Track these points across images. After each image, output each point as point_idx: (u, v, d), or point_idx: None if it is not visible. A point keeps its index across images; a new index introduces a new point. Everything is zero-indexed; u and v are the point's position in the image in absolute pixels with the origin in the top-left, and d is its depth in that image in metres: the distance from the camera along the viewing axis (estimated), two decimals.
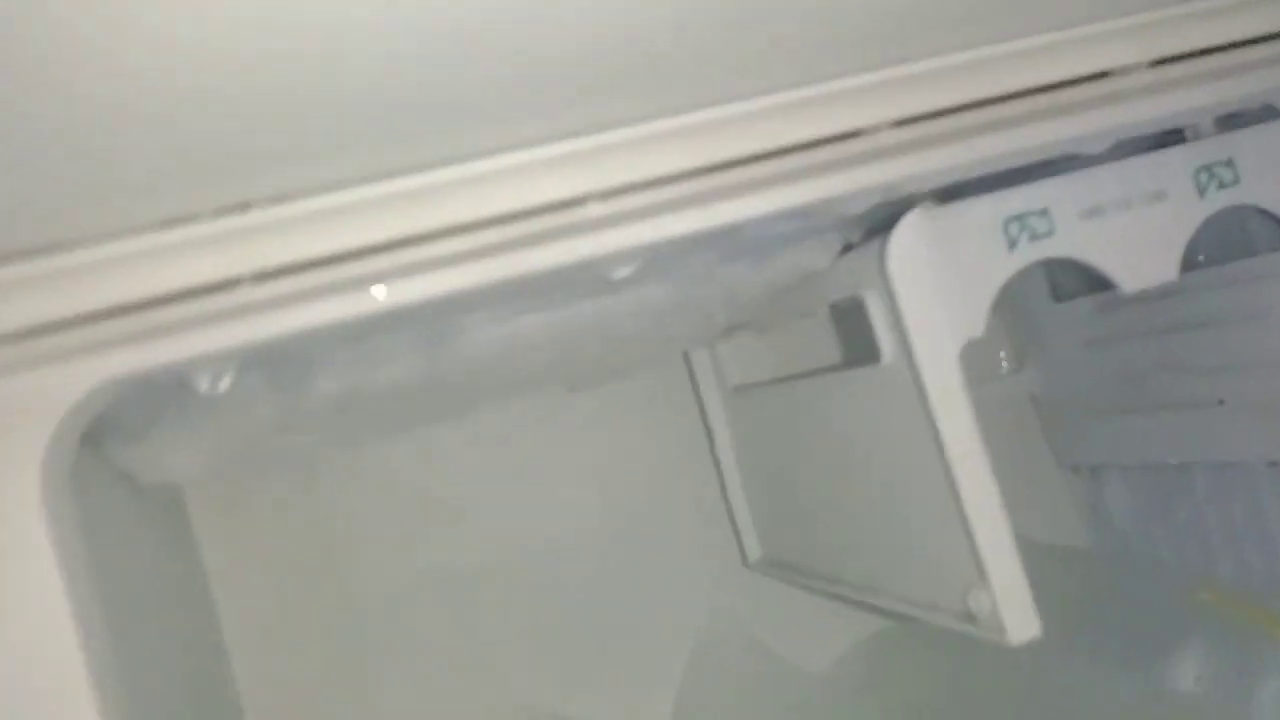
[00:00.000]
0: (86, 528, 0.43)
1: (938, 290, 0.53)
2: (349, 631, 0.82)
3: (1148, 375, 0.80)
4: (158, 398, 0.48)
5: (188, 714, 0.62)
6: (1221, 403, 0.73)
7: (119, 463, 0.57)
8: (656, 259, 0.48)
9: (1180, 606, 0.74)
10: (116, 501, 0.59)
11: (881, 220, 0.56)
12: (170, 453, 0.55)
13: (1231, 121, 0.61)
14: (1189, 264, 0.65)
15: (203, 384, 0.42)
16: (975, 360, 0.54)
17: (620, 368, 0.79)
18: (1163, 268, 0.57)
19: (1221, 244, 0.70)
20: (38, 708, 0.38)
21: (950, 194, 0.56)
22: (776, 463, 0.77)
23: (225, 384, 0.42)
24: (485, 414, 0.85)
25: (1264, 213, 0.60)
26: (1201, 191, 0.58)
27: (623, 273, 0.46)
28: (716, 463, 0.85)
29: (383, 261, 0.39)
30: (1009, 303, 0.92)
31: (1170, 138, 0.61)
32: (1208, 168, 0.58)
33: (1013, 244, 0.55)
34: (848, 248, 0.61)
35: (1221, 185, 0.58)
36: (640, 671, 0.85)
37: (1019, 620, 0.51)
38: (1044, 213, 0.56)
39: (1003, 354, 0.93)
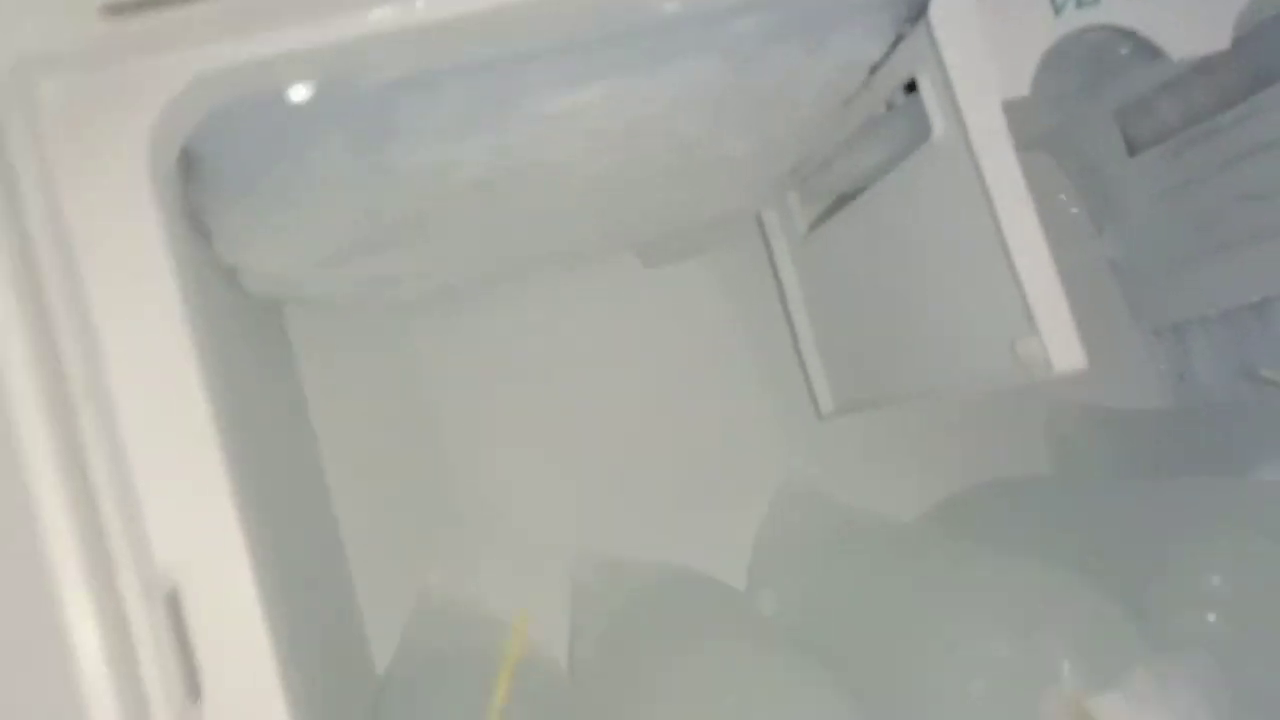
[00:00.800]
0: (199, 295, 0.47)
1: (981, 45, 0.54)
2: (437, 474, 0.86)
3: (1225, 211, 0.79)
4: (252, 136, 0.53)
5: (290, 516, 0.66)
6: None
7: (225, 256, 0.63)
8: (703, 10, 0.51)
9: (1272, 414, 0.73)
10: (225, 296, 0.64)
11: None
12: (269, 233, 0.60)
13: None
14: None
15: (293, 93, 0.46)
16: (1051, 229, 0.55)
17: (692, 217, 0.82)
18: (1215, 35, 0.58)
19: None
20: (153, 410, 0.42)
21: None
22: (843, 298, 0.79)
23: (311, 92, 0.46)
24: (564, 281, 0.90)
25: None
26: None
27: (672, 5, 0.49)
28: (789, 318, 0.87)
29: None
30: (1083, 167, 0.92)
31: None
32: None
33: (1059, 9, 0.57)
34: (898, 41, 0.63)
35: None
36: (717, 524, 0.87)
37: (1064, 351, 0.52)
38: None
39: (1077, 211, 0.93)
